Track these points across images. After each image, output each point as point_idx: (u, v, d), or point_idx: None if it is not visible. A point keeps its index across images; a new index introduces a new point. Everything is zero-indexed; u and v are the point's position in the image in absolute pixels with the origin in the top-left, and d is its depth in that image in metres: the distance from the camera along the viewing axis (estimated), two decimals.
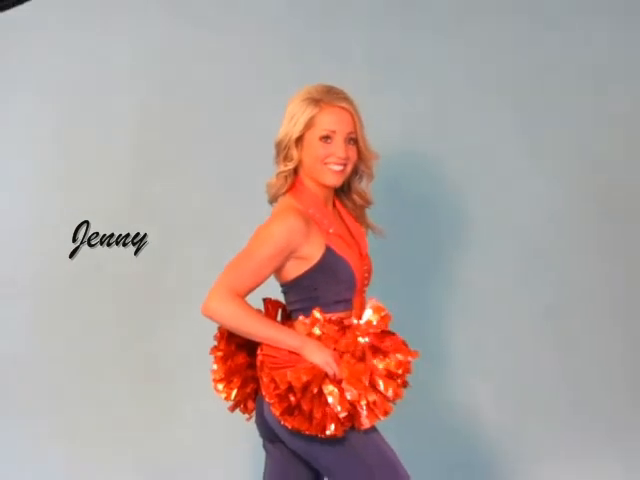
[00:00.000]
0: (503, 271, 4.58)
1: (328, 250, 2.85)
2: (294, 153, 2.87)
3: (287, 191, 2.92)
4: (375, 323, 2.85)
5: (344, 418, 2.66)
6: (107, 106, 4.43)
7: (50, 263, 4.43)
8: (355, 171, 2.96)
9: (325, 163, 2.83)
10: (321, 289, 2.89)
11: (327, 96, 2.86)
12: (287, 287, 2.90)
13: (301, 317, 2.86)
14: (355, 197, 3.05)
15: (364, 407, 2.71)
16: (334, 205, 3.02)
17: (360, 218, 3.08)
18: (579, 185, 4.63)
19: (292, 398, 2.70)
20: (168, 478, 4.39)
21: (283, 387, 2.68)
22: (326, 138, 2.83)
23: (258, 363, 2.82)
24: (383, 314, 2.83)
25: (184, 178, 4.46)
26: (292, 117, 2.88)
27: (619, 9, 4.75)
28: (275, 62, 4.48)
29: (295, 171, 2.92)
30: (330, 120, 2.84)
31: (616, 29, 4.73)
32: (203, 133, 4.47)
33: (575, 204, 4.63)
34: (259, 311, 2.94)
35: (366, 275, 3.06)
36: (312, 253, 2.82)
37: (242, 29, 4.47)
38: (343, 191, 3.02)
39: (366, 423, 2.71)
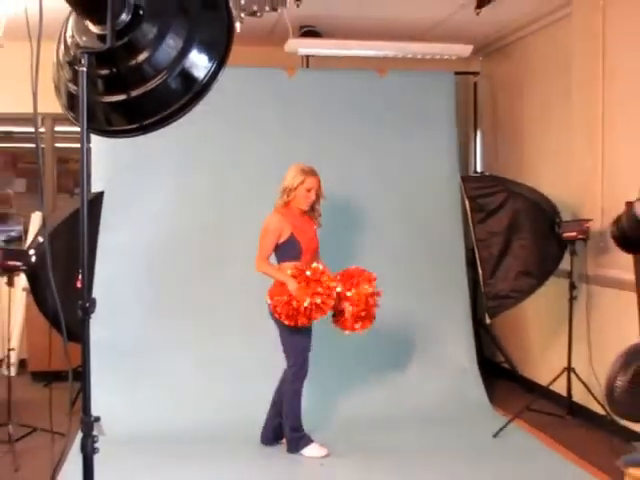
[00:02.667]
0: (368, 242, 5.15)
1: (291, 234, 4.07)
2: (292, 193, 4.08)
3: (282, 207, 4.13)
4: (321, 268, 4.01)
5: (290, 318, 3.90)
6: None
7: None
8: (315, 201, 4.16)
9: (305, 199, 4.09)
10: (288, 252, 4.11)
11: (310, 171, 4.09)
12: (275, 249, 4.12)
13: (283, 264, 4.11)
14: (315, 212, 4.22)
15: (308, 309, 3.89)
16: (304, 214, 4.20)
17: (316, 220, 4.26)
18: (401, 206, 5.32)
19: (278, 309, 3.93)
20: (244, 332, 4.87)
21: (274, 304, 3.97)
22: (309, 190, 4.07)
23: (268, 294, 4.07)
24: (322, 267, 4.02)
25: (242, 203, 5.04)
26: (293, 177, 4.07)
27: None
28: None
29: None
30: (311, 182, 4.07)
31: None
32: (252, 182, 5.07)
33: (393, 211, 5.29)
34: (274, 265, 4.15)
35: (315, 247, 4.25)
36: (285, 235, 4.06)
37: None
38: (309, 209, 4.19)
39: (304, 322, 3.92)
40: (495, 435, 4.49)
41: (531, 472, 3.97)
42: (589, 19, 4.65)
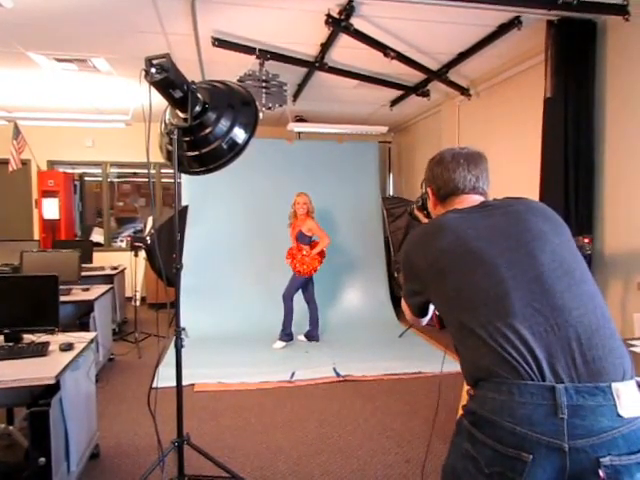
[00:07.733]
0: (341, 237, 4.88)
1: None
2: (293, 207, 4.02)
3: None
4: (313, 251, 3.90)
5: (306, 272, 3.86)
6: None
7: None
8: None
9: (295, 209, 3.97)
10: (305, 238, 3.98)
11: (298, 194, 3.99)
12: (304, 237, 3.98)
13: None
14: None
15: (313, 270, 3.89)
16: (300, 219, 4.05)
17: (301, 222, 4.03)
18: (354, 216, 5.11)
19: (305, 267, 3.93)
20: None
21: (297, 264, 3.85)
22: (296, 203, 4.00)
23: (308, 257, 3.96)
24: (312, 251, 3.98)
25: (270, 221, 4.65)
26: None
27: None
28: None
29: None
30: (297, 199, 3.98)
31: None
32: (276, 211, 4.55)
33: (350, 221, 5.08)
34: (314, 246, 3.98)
35: (296, 237, 4.03)
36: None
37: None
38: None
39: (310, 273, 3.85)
40: (400, 336, 4.42)
41: (417, 352, 3.93)
42: (450, 113, 4.61)
